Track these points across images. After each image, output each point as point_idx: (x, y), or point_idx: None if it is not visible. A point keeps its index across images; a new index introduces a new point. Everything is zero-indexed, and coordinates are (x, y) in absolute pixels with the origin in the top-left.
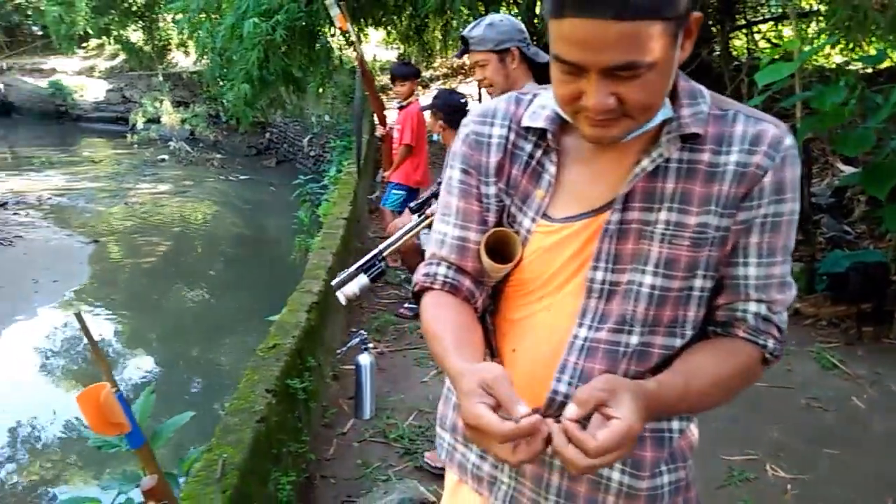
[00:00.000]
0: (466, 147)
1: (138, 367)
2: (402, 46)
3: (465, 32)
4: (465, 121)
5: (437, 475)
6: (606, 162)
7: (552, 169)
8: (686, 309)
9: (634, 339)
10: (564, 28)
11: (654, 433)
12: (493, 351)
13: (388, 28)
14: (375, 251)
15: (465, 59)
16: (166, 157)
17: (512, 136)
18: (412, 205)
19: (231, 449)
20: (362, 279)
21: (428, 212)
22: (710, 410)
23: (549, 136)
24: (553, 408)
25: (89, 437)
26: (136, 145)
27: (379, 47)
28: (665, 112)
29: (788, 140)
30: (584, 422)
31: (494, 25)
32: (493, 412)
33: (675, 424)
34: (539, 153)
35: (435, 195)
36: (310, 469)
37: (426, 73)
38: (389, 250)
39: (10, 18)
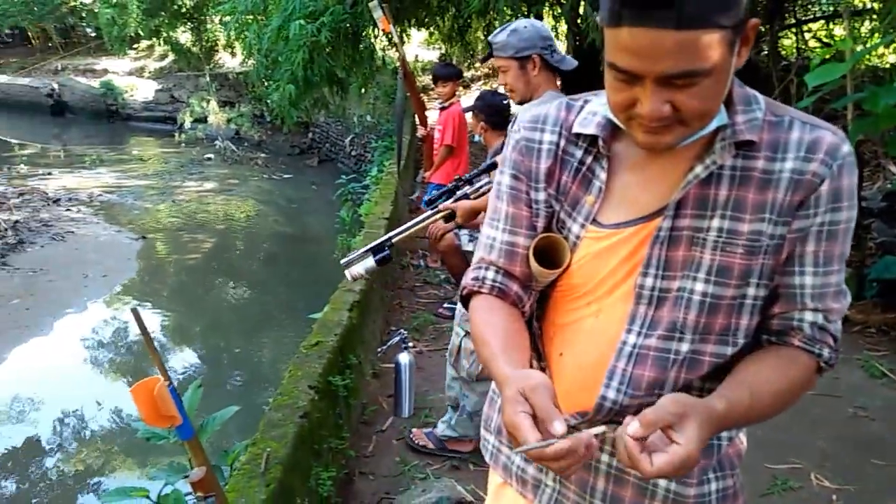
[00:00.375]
0: (517, 153)
1: (183, 360)
2: (444, 47)
3: (490, 37)
4: (515, 126)
5: (420, 451)
6: (658, 168)
7: (602, 175)
8: (739, 317)
9: (685, 347)
10: (621, 36)
11: None
12: (539, 355)
13: (431, 29)
14: (385, 237)
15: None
16: (212, 155)
17: (562, 143)
18: (426, 199)
19: (275, 443)
20: (369, 262)
21: (441, 206)
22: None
23: (601, 142)
24: (601, 413)
25: (137, 428)
26: (183, 144)
27: (421, 48)
28: (720, 119)
29: (846, 147)
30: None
31: (517, 32)
32: (532, 424)
33: (724, 433)
34: (589, 159)
35: (450, 191)
36: (349, 465)
37: (468, 74)
38: (398, 238)
39: (65, 20)
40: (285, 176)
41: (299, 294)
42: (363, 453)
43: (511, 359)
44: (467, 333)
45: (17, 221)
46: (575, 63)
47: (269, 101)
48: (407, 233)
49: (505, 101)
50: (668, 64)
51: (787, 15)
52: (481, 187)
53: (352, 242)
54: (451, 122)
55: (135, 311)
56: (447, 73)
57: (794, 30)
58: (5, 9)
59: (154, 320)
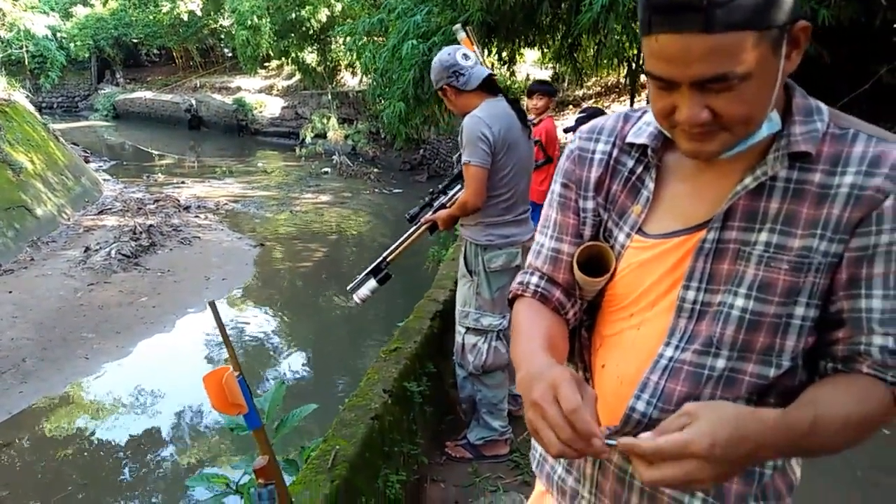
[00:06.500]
0: (570, 162)
1: (290, 361)
2: (555, 66)
3: None
4: (572, 137)
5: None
6: (709, 179)
7: (650, 185)
8: (784, 337)
9: (721, 363)
10: (654, 44)
11: None
12: (585, 365)
13: (543, 48)
14: (380, 258)
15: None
16: (329, 169)
17: (615, 152)
18: (408, 214)
19: (344, 441)
20: (371, 283)
21: (423, 219)
22: (853, 456)
23: (650, 151)
24: (629, 425)
25: (225, 420)
26: (303, 158)
27: (534, 67)
28: (771, 126)
29: None
30: None
31: (432, 68)
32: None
33: (769, 461)
34: (640, 169)
35: (429, 204)
36: (421, 471)
37: (578, 92)
38: (392, 256)
39: (206, 42)
40: (395, 190)
41: (401, 304)
42: (437, 461)
43: (545, 353)
44: (468, 330)
45: (151, 226)
46: (485, 72)
47: (383, 118)
48: (399, 250)
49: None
50: (700, 69)
51: None
52: (454, 195)
53: (443, 255)
54: (544, 135)
55: (212, 304)
56: (543, 88)
57: None
58: (155, 30)
59: (268, 323)
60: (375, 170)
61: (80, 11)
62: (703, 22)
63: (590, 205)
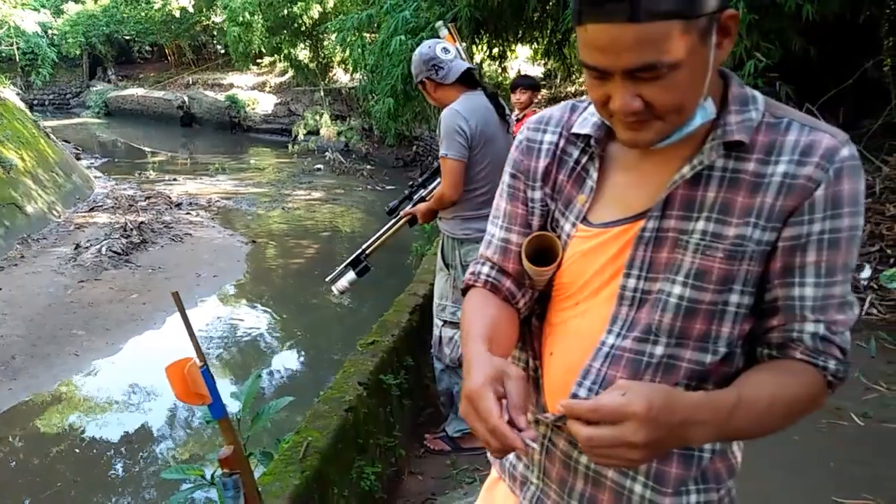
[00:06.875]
0: (518, 153)
1: (282, 358)
2: (546, 62)
3: None
4: (521, 128)
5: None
6: (651, 168)
7: (594, 175)
8: (720, 324)
9: (659, 350)
10: (585, 34)
11: (681, 450)
12: (535, 353)
13: (532, 44)
14: (359, 250)
15: None
16: (322, 166)
17: (562, 143)
18: (387, 206)
19: (317, 433)
20: (350, 275)
21: (402, 212)
22: (826, 448)
23: (593, 141)
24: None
25: (202, 413)
26: (296, 155)
27: (526, 63)
28: (705, 114)
29: (846, 151)
30: None
31: (412, 62)
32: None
33: (708, 445)
34: (584, 159)
35: (408, 197)
36: (399, 463)
37: (570, 89)
38: (371, 249)
39: (198, 38)
40: (388, 187)
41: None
42: (415, 453)
43: (492, 346)
44: (445, 323)
45: (142, 223)
46: (464, 66)
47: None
48: (378, 242)
49: None
50: (628, 58)
51: None
52: (433, 188)
53: (427, 249)
54: None
55: (175, 295)
56: (526, 83)
57: None
58: (146, 27)
59: (259, 320)
60: (368, 166)
61: (71, 8)
62: (629, 12)
63: (537, 195)
